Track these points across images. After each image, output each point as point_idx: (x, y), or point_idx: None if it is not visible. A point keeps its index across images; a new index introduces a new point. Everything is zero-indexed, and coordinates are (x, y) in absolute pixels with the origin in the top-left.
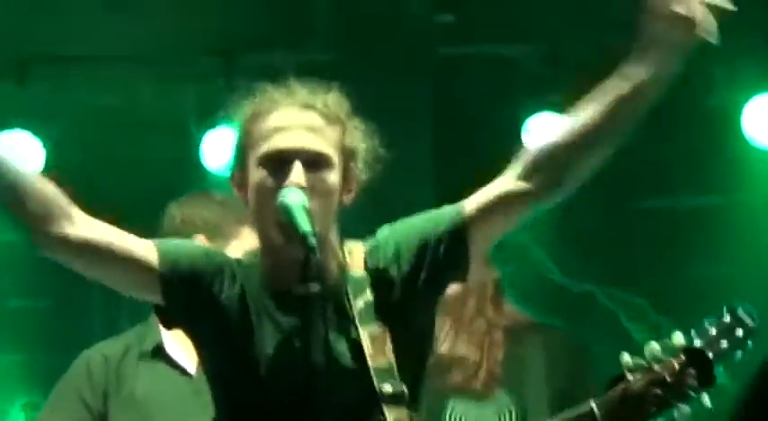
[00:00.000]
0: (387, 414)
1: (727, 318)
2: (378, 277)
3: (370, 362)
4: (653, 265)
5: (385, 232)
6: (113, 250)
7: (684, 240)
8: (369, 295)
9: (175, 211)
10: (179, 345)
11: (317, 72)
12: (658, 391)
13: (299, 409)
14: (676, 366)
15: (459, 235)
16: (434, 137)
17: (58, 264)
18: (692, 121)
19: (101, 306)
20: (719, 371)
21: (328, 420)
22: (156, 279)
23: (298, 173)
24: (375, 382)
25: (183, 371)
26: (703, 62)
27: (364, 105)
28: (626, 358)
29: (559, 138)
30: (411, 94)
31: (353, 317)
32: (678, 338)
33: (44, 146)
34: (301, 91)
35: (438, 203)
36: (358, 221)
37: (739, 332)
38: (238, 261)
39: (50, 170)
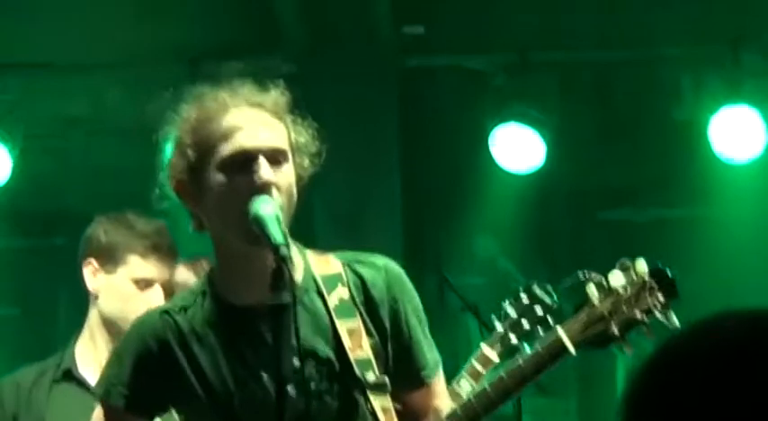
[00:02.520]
0: (372, 401)
1: (525, 298)
2: (365, 292)
3: (350, 355)
4: None
5: (380, 273)
6: None
7: (651, 252)
8: (343, 292)
9: (87, 230)
10: (90, 366)
11: (284, 80)
12: (624, 309)
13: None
14: (639, 285)
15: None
16: (401, 146)
17: (24, 273)
18: (659, 134)
19: (67, 314)
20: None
21: (303, 412)
22: (135, 417)
23: (266, 169)
24: (357, 372)
25: (94, 393)
26: (670, 75)
27: (331, 115)
28: (590, 286)
29: None
30: (378, 104)
31: (330, 312)
32: (639, 263)
33: (10, 153)
34: (244, 90)
35: (405, 212)
36: (326, 226)
37: (539, 310)
38: (168, 312)
39: (17, 177)
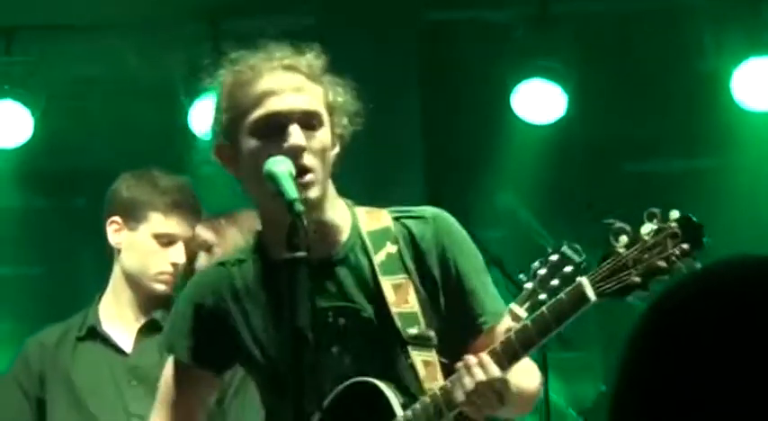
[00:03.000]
0: (413, 356)
1: (555, 257)
2: (414, 245)
3: (393, 309)
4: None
5: (428, 224)
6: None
7: (675, 203)
8: (392, 248)
9: (113, 186)
10: (114, 324)
11: (302, 37)
12: (647, 257)
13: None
14: (665, 233)
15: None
16: (422, 102)
17: (48, 232)
18: (682, 86)
19: (92, 273)
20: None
21: (347, 369)
22: (200, 371)
23: (297, 134)
24: (399, 326)
25: (118, 350)
26: (693, 28)
27: (350, 70)
28: (620, 236)
29: None
30: (397, 59)
31: (374, 268)
32: (673, 213)
33: (32, 114)
34: (280, 53)
35: (427, 166)
36: (349, 184)
37: (568, 269)
38: (224, 264)
39: (38, 138)
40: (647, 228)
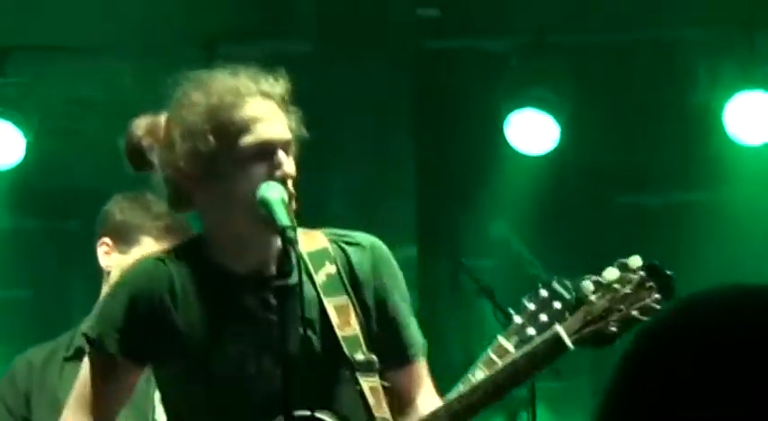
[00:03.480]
0: (361, 382)
1: (545, 292)
2: (351, 271)
3: (338, 333)
4: None
5: (365, 252)
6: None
7: (667, 236)
8: (331, 268)
9: (106, 207)
10: None
11: (299, 63)
12: (621, 307)
13: (274, 391)
14: (637, 280)
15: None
16: (416, 130)
17: (36, 254)
18: (675, 119)
19: (80, 296)
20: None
21: (304, 393)
22: (129, 364)
23: (289, 163)
24: (346, 351)
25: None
26: (687, 61)
27: (346, 97)
28: (585, 282)
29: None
30: (393, 87)
31: (317, 289)
32: (635, 259)
33: (24, 136)
34: (256, 79)
35: (419, 194)
36: (341, 211)
37: (557, 304)
38: (163, 261)
39: (31, 160)
40: (611, 274)
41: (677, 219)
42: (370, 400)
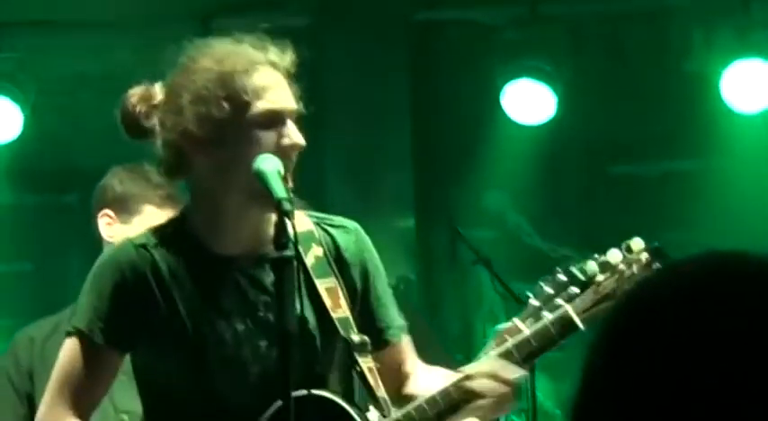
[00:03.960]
0: (361, 363)
1: (562, 277)
2: (338, 253)
3: (332, 314)
4: (631, 230)
5: (350, 235)
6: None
7: (663, 205)
8: (318, 250)
9: (103, 180)
10: None
11: (293, 37)
12: (627, 287)
13: (272, 372)
14: (642, 262)
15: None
16: (412, 103)
17: (36, 229)
18: (670, 87)
19: (80, 270)
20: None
21: (298, 377)
22: (115, 353)
23: (298, 134)
24: (342, 332)
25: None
26: (683, 29)
27: (340, 70)
28: (591, 264)
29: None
30: (388, 59)
31: (307, 270)
32: (637, 242)
33: (22, 111)
34: (264, 48)
35: (416, 165)
36: (339, 183)
37: (574, 289)
38: (145, 246)
39: (28, 134)
40: (615, 257)
41: (674, 188)
42: (371, 381)
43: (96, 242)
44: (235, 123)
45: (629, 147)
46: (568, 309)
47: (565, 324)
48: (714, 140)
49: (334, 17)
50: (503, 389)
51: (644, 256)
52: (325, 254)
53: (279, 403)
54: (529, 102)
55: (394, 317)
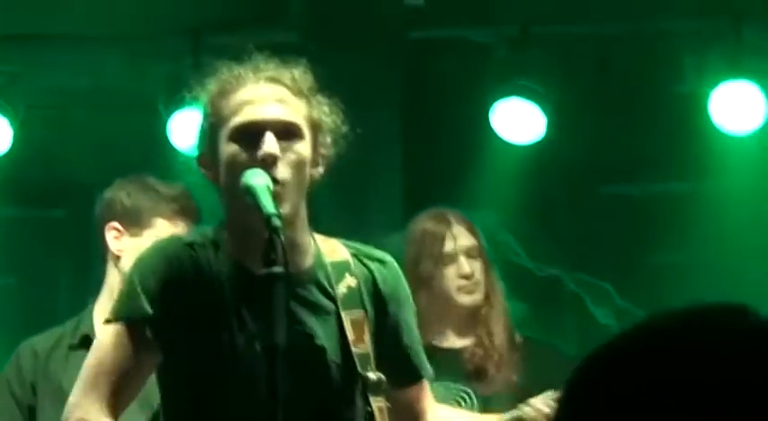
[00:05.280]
0: (372, 402)
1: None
2: (375, 286)
3: (352, 348)
4: (620, 250)
5: (389, 269)
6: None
7: (651, 226)
8: (351, 281)
9: (105, 194)
10: None
11: (285, 53)
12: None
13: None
14: None
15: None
16: (403, 120)
17: (22, 241)
18: (660, 108)
19: (67, 283)
20: None
21: (306, 406)
22: (153, 344)
23: (270, 142)
24: (359, 368)
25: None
26: (673, 51)
27: (333, 88)
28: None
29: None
30: (380, 77)
31: (336, 300)
32: None
33: (11, 125)
34: (267, 66)
35: (405, 186)
36: (328, 200)
37: None
38: (192, 246)
39: (17, 148)
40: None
41: (663, 210)
42: (378, 419)
43: (90, 256)
44: (217, 141)
45: (618, 168)
46: None
47: None
48: (705, 161)
49: (325, 34)
50: None
51: None
52: (359, 286)
53: None
54: (519, 121)
55: (422, 356)
